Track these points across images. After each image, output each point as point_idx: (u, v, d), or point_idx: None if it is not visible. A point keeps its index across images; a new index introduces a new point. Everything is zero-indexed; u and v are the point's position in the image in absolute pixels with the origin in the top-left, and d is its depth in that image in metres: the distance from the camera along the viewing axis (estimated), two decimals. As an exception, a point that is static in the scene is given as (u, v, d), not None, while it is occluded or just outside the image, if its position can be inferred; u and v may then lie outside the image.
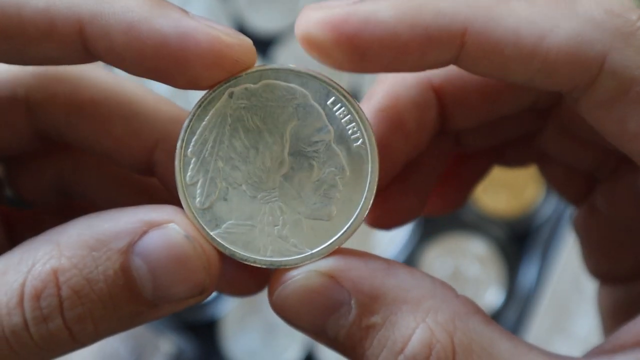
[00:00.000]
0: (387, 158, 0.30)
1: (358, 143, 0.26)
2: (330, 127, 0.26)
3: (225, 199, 0.26)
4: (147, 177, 0.32)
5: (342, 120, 0.26)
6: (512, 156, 0.36)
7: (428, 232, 0.66)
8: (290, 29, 0.72)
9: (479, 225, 0.66)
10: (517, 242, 0.67)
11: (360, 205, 0.26)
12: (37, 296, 0.24)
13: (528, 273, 0.65)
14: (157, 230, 0.24)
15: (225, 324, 0.63)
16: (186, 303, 0.25)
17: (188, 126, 0.26)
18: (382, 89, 0.30)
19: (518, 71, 0.25)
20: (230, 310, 0.63)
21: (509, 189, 0.67)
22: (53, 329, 0.24)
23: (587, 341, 0.60)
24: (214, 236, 0.26)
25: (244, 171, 0.26)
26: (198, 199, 0.26)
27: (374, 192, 0.26)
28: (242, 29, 0.73)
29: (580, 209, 0.35)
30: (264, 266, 0.26)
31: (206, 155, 0.26)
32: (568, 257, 0.63)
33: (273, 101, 0.26)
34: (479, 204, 0.67)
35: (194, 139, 0.26)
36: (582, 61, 0.24)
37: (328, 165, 0.26)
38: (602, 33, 0.24)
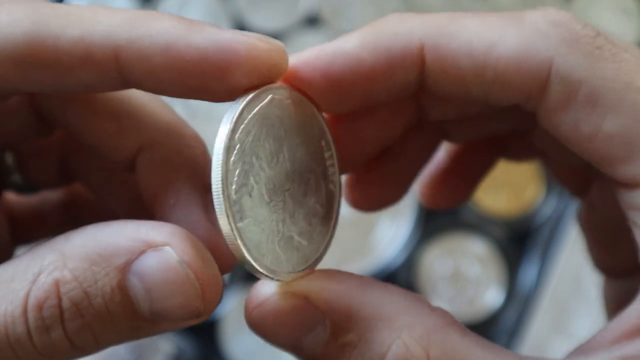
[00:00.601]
0: (359, 143, 0.31)
1: (331, 186, 0.28)
2: (318, 163, 0.28)
3: (250, 195, 0.26)
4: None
5: (327, 162, 0.28)
6: (516, 150, 0.36)
7: (428, 232, 0.66)
8: (290, 29, 0.72)
9: (479, 225, 0.66)
10: (517, 242, 0.67)
11: (327, 240, 0.28)
12: (40, 306, 0.24)
13: (528, 273, 0.65)
14: (154, 252, 0.24)
15: (225, 324, 0.63)
16: (185, 323, 0.25)
17: (241, 112, 0.25)
18: None
19: (475, 83, 0.27)
20: (230, 310, 0.63)
21: (509, 189, 0.67)
22: (55, 339, 0.24)
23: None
24: (239, 227, 0.25)
25: (267, 174, 0.26)
26: (234, 187, 0.25)
27: (334, 233, 0.28)
28: (242, 29, 0.73)
29: (582, 203, 0.36)
30: (260, 273, 0.26)
31: (246, 147, 0.26)
32: (568, 257, 0.63)
33: (295, 120, 0.27)
34: (479, 204, 0.67)
35: (241, 127, 0.25)
36: (529, 68, 0.26)
37: (315, 195, 0.28)
38: (546, 40, 0.26)
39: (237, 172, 0.25)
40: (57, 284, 0.24)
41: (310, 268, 0.27)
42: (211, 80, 0.25)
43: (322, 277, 0.26)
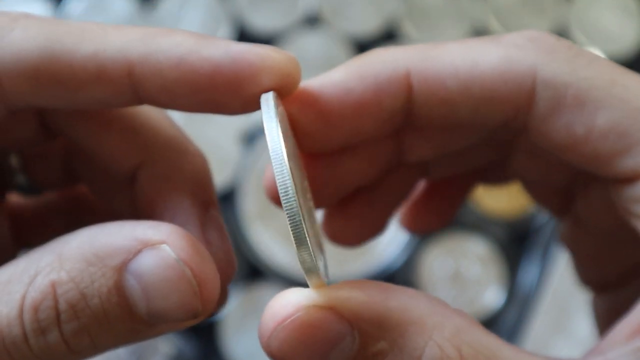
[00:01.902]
0: (334, 180, 0.31)
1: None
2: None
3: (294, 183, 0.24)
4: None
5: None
6: (493, 177, 0.36)
7: (428, 233, 0.66)
8: (290, 29, 0.72)
9: (479, 225, 0.66)
10: (518, 242, 0.67)
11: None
12: (36, 308, 0.24)
13: (528, 273, 0.65)
14: (151, 250, 0.24)
15: (225, 324, 0.63)
16: (182, 325, 0.25)
17: (275, 110, 0.24)
18: None
19: (463, 102, 0.27)
20: (230, 310, 0.63)
21: (509, 189, 0.67)
22: (51, 341, 0.24)
23: (587, 341, 0.60)
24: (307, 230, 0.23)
25: (296, 175, 0.25)
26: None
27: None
28: (242, 29, 0.73)
29: (565, 223, 0.36)
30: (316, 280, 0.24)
31: (289, 150, 0.24)
32: (568, 257, 0.63)
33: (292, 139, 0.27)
34: (479, 204, 0.67)
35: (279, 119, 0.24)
36: (514, 78, 0.27)
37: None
38: (526, 53, 0.27)
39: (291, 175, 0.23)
40: (53, 285, 0.24)
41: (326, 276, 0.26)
42: (226, 92, 0.25)
43: (345, 286, 0.25)
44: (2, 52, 0.25)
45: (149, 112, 0.30)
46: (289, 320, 0.24)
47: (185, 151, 0.30)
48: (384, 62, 0.28)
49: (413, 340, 0.24)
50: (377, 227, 0.34)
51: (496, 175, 0.36)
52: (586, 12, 0.74)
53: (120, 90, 0.26)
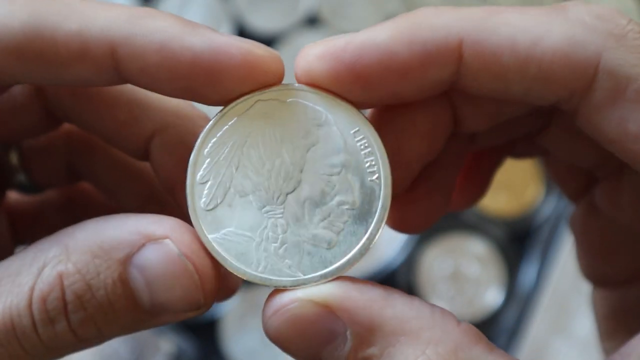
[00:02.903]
0: (404, 161, 0.30)
1: (373, 178, 0.26)
2: (348, 157, 0.26)
3: (230, 205, 0.26)
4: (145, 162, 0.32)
5: (362, 152, 0.26)
6: (521, 149, 0.36)
7: (428, 232, 0.66)
8: (290, 29, 0.72)
9: (479, 225, 0.66)
10: (517, 242, 0.67)
11: (363, 241, 0.26)
12: (44, 299, 0.24)
13: (528, 273, 0.65)
14: (154, 244, 0.25)
15: (225, 324, 0.63)
16: (185, 315, 0.26)
17: (210, 128, 0.26)
18: None
19: (516, 80, 0.25)
20: (230, 310, 0.63)
21: (509, 189, 0.67)
22: (59, 331, 0.25)
23: (586, 341, 0.60)
24: (210, 239, 0.25)
25: (255, 182, 0.26)
26: (204, 200, 0.26)
27: (379, 230, 0.26)
28: (242, 29, 0.73)
29: (578, 207, 0.35)
30: (252, 281, 0.26)
31: (221, 159, 0.26)
32: (568, 257, 0.63)
33: (297, 120, 0.26)
34: (479, 204, 0.67)
35: (213, 141, 0.26)
36: (576, 63, 0.25)
37: (339, 194, 0.26)
38: (594, 35, 0.25)
39: (207, 184, 0.26)
40: (60, 277, 0.24)
41: (337, 272, 0.26)
42: (204, 83, 0.25)
43: (345, 285, 0.25)
44: None
45: None
46: (284, 309, 0.25)
47: (194, 116, 0.31)
48: (434, 27, 0.25)
49: (404, 352, 0.24)
50: (441, 207, 0.33)
51: (525, 148, 0.35)
52: (586, 12, 0.74)
53: (103, 70, 0.25)
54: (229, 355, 0.62)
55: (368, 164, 0.26)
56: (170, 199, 0.31)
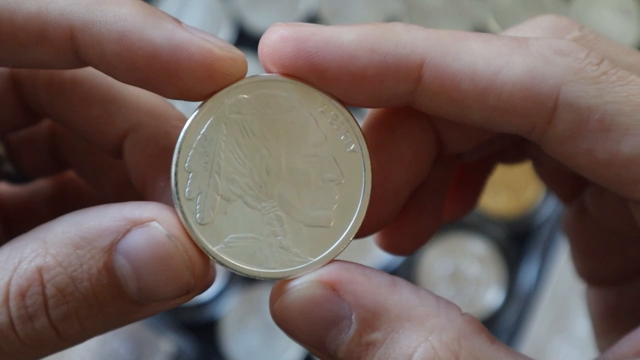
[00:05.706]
0: (391, 189, 0.30)
1: (351, 148, 0.27)
2: (322, 134, 0.27)
3: (225, 213, 0.26)
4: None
5: (334, 127, 0.27)
6: (511, 156, 0.36)
7: (428, 232, 0.66)
8: (290, 29, 0.73)
9: (479, 225, 0.66)
10: (517, 242, 0.67)
11: (358, 210, 0.27)
12: (22, 294, 0.23)
13: (528, 273, 0.65)
14: (140, 228, 0.24)
15: (225, 324, 0.63)
16: (174, 303, 0.25)
17: (182, 140, 0.25)
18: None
19: (474, 108, 0.26)
20: (230, 310, 0.63)
21: (509, 189, 0.67)
22: (39, 327, 0.24)
23: (586, 341, 0.60)
24: (216, 252, 0.25)
25: (242, 183, 0.26)
26: (198, 215, 0.25)
27: (370, 195, 0.27)
28: (242, 29, 0.73)
29: (569, 209, 0.36)
30: (267, 279, 0.26)
31: (203, 170, 0.26)
32: (568, 257, 0.63)
33: (267, 111, 0.26)
34: (479, 204, 0.67)
35: (190, 154, 0.26)
36: (536, 96, 0.25)
37: (324, 172, 0.27)
38: (553, 69, 0.25)
39: (197, 199, 0.25)
40: (39, 271, 0.24)
41: (340, 246, 0.26)
42: (161, 78, 0.25)
43: (352, 269, 0.25)
44: None
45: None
46: (291, 289, 0.25)
47: (169, 116, 0.30)
48: (400, 43, 0.26)
49: (408, 338, 0.24)
50: (432, 227, 0.33)
51: (515, 155, 0.35)
52: (586, 12, 0.74)
53: (62, 53, 0.25)
54: (229, 355, 0.62)
55: (343, 136, 0.27)
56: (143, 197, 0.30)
